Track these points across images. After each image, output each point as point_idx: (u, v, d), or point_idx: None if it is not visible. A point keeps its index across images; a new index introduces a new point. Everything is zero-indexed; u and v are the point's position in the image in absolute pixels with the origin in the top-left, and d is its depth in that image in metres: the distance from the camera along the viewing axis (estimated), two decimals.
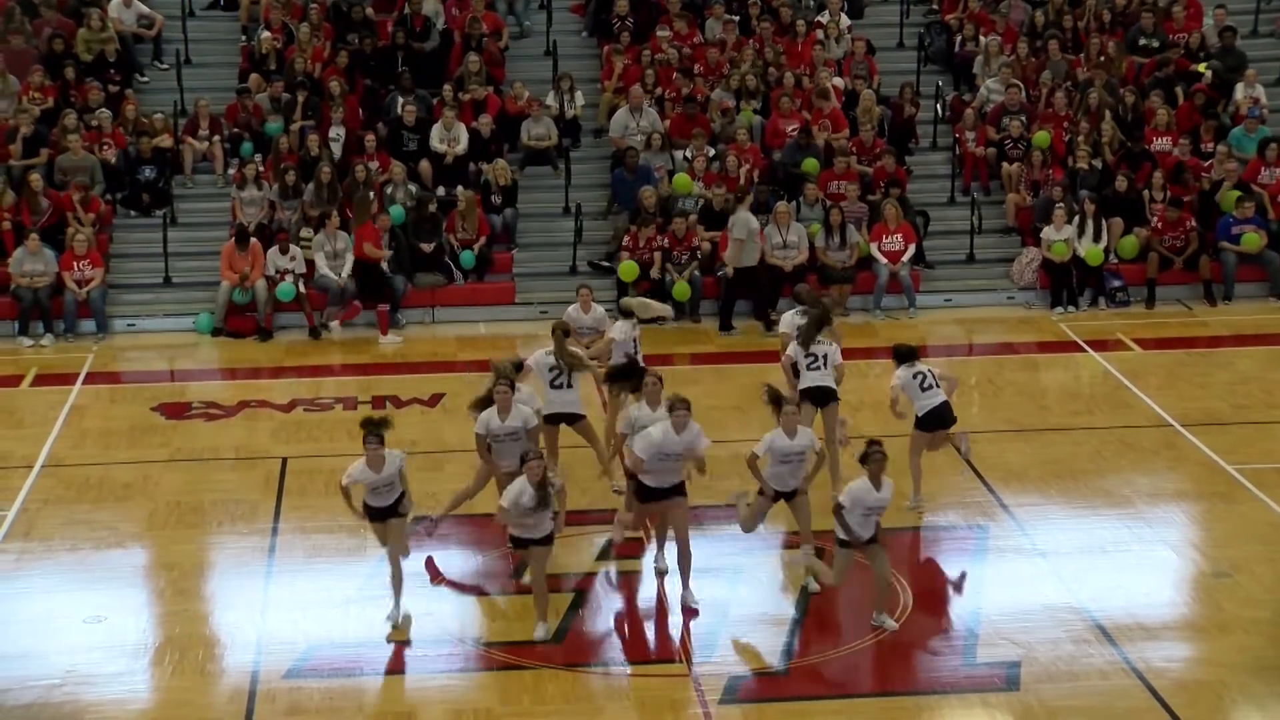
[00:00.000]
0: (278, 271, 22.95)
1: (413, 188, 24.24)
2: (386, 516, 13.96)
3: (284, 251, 23.02)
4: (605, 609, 14.56)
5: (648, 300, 18.96)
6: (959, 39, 27.58)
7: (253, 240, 23.13)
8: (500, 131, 25.30)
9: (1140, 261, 24.10)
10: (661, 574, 14.86)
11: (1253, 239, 23.99)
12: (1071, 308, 23.71)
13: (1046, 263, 23.87)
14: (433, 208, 23.85)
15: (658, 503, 14.27)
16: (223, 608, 14.60)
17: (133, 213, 24.56)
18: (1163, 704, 12.69)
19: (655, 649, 14.04)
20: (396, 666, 13.50)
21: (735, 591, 14.72)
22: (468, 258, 23.74)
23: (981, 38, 27.21)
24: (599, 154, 25.90)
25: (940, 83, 26.95)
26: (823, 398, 16.16)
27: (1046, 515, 16.44)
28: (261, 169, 24.12)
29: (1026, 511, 16.46)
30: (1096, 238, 23.80)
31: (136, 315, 23.35)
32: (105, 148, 24.55)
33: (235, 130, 25.24)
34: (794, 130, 25.14)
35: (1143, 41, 27.20)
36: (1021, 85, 26.06)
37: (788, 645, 13.78)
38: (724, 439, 16.40)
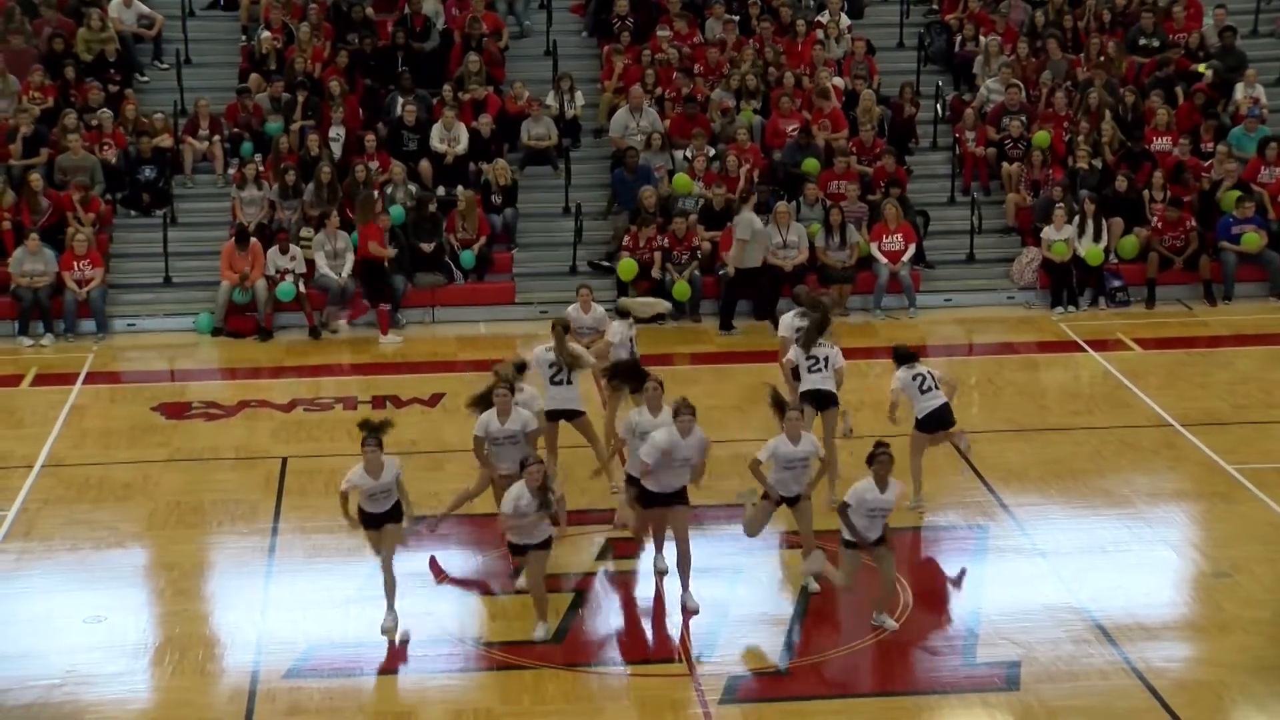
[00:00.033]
0: (278, 271, 22.95)
1: (413, 188, 24.25)
2: (382, 523, 13.90)
3: (284, 251, 23.03)
4: (605, 609, 14.56)
5: (645, 299, 18.96)
6: (959, 39, 27.58)
7: (253, 240, 23.14)
8: (500, 131, 25.31)
9: (1140, 261, 24.11)
10: (661, 574, 14.85)
11: (1253, 239, 23.99)
12: (1071, 307, 23.71)
13: (1046, 263, 23.87)
14: (433, 208, 23.85)
15: (660, 508, 14.26)
16: (223, 608, 14.60)
17: (133, 213, 24.56)
18: (1163, 704, 12.69)
19: (655, 649, 14.04)
20: (396, 666, 13.50)
21: (735, 591, 14.72)
22: (468, 258, 23.75)
23: (981, 38, 27.22)
24: (599, 154, 25.90)
25: (940, 83, 26.95)
26: (823, 401, 16.14)
27: (1046, 515, 16.44)
28: (261, 169, 24.13)
29: (1026, 511, 16.46)
30: (1096, 238, 23.80)
31: (136, 315, 23.36)
32: (105, 148, 24.55)
33: (235, 130, 25.25)
34: (794, 130, 25.14)
35: (1143, 41, 27.21)
36: (1021, 85, 26.07)
37: (788, 645, 13.77)
38: (724, 439, 16.39)
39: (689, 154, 24.71)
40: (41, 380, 21.12)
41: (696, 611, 14.16)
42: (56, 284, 22.77)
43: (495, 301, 23.78)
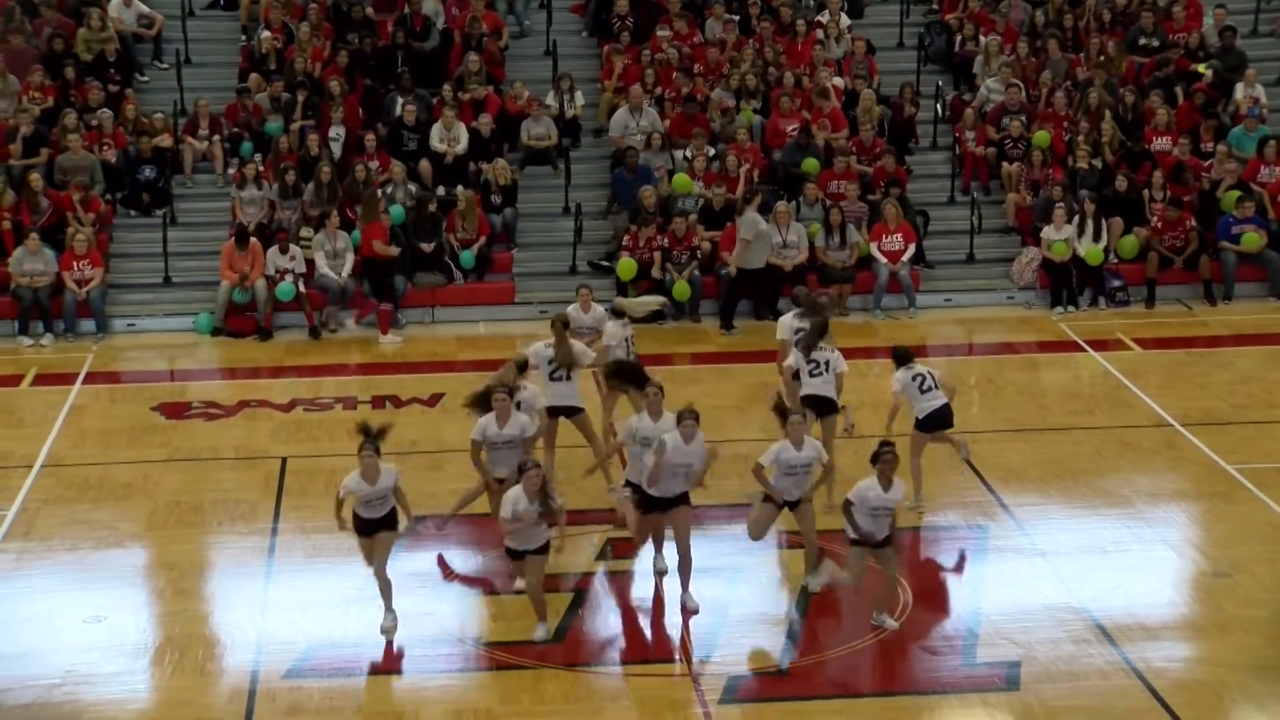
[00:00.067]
0: (278, 271, 22.95)
1: (413, 187, 24.24)
2: (375, 529, 13.85)
3: (284, 251, 23.02)
4: (604, 609, 14.56)
5: (639, 299, 18.96)
6: (959, 39, 27.58)
7: (253, 240, 23.13)
8: (500, 131, 25.30)
9: (1140, 261, 24.11)
10: (661, 574, 14.85)
11: (1253, 239, 23.99)
12: (1071, 307, 23.71)
13: (1046, 262, 23.87)
14: (433, 207, 23.84)
15: (661, 513, 14.24)
16: (222, 608, 14.60)
17: (133, 212, 24.56)
18: (1163, 704, 12.69)
19: (655, 649, 14.04)
20: (396, 666, 13.50)
21: (735, 591, 14.72)
22: (467, 258, 23.74)
23: (981, 37, 27.21)
24: (599, 154, 25.90)
25: (940, 82, 26.95)
26: (823, 408, 16.11)
27: (1046, 515, 16.44)
28: (261, 169, 24.13)
29: (1026, 511, 16.45)
30: (1096, 237, 23.79)
31: (136, 315, 23.35)
32: (105, 147, 24.55)
33: (235, 130, 25.24)
34: (794, 130, 25.14)
35: (1143, 41, 27.20)
36: (1021, 85, 26.06)
37: (788, 645, 13.77)
38: (724, 439, 16.39)
39: (689, 154, 24.70)
40: (41, 380, 21.12)
41: (696, 611, 14.16)
42: (56, 284, 22.76)
43: (495, 301, 23.78)
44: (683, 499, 14.19)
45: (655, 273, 23.32)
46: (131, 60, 26.43)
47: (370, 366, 21.75)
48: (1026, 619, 14.07)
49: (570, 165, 25.28)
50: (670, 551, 14.51)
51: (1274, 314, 23.60)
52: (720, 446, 14.68)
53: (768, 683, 13.19)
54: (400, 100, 25.23)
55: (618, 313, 17.69)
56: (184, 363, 22.05)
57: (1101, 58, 26.65)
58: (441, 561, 15.30)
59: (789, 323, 17.16)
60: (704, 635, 13.86)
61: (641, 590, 14.85)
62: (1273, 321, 23.24)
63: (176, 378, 21.52)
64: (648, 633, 14.33)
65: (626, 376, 15.91)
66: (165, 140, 24.80)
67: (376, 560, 13.84)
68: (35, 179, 23.44)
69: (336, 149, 24.45)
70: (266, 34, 26.24)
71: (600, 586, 14.93)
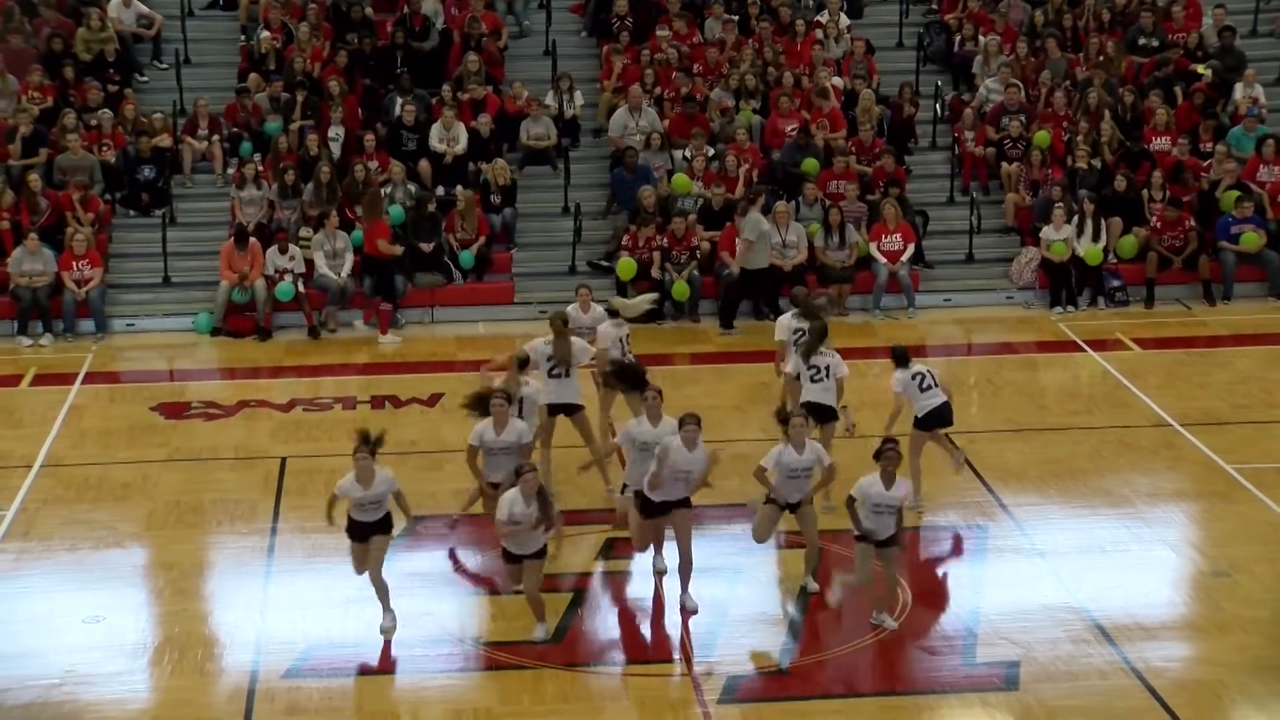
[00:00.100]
0: (277, 271, 22.94)
1: (412, 187, 24.24)
2: (369, 534, 13.81)
3: (283, 251, 23.02)
4: (604, 609, 14.56)
5: (633, 299, 18.95)
6: (958, 39, 27.58)
7: (252, 240, 23.12)
8: (499, 131, 25.30)
9: (1139, 261, 24.10)
10: (661, 574, 14.84)
11: (1252, 238, 23.99)
12: (1070, 307, 23.71)
13: (1045, 262, 23.87)
14: (432, 207, 23.84)
15: (662, 517, 14.23)
16: (222, 607, 14.60)
17: (132, 212, 24.55)
18: (1162, 704, 12.69)
19: (654, 649, 14.04)
20: (395, 666, 13.50)
21: (735, 591, 14.72)
22: (467, 258, 23.74)
23: (981, 37, 27.21)
24: (598, 154, 25.90)
25: (939, 82, 26.95)
26: (823, 415, 16.07)
27: (1046, 515, 16.44)
28: (261, 169, 24.12)
29: (1026, 511, 16.45)
30: (1096, 237, 23.79)
31: (136, 315, 23.34)
32: (105, 148, 24.54)
33: (234, 130, 25.24)
34: (793, 130, 25.13)
35: (1142, 41, 27.20)
36: (1021, 85, 26.06)
37: (788, 645, 13.78)
38: (724, 439, 16.39)
39: (688, 154, 24.70)
40: (40, 380, 21.11)
41: (695, 611, 14.16)
42: (55, 284, 22.76)
43: (494, 301, 23.77)
44: (684, 502, 14.18)
45: (654, 273, 23.32)
46: (131, 60, 26.42)
47: (370, 366, 21.75)
48: (1025, 619, 14.08)
49: (569, 165, 25.27)
50: (670, 552, 14.51)
51: (1273, 314, 23.60)
52: (721, 451, 14.67)
53: (768, 683, 13.18)
54: (399, 100, 25.23)
55: (611, 312, 17.68)
56: (183, 363, 22.04)
57: (1101, 58, 26.65)
58: (453, 555, 15.36)
59: (788, 323, 17.13)
60: (704, 635, 13.85)
61: (641, 590, 14.85)
62: (1272, 321, 23.24)
63: (176, 378, 21.52)
64: (647, 633, 14.33)
65: (626, 378, 15.90)
66: (164, 140, 24.79)
67: (371, 564, 13.82)
68: (34, 179, 23.43)
69: (336, 149, 24.45)
70: (266, 34, 26.24)
71: (599, 586, 14.93)
